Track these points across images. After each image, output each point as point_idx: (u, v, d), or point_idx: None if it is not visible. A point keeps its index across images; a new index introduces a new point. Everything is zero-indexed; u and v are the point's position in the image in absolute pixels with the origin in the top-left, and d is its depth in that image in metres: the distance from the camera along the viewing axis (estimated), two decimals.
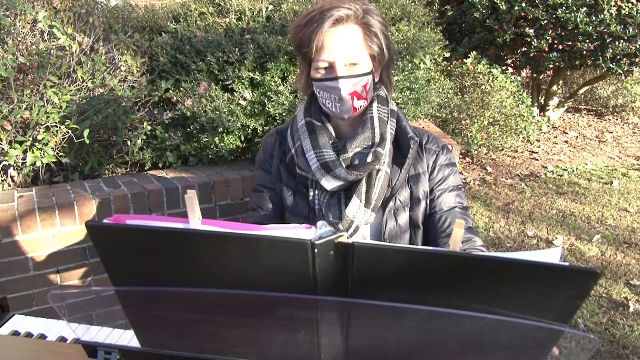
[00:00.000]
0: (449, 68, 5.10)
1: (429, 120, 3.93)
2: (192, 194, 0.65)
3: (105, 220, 0.67)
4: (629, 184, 4.72)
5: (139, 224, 0.67)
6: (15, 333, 1.05)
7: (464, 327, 0.68)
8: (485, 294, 0.65)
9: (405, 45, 2.95)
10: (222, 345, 0.78)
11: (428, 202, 1.39)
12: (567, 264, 0.61)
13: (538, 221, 3.90)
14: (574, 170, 5.12)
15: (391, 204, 1.36)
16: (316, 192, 1.35)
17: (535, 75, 6.24)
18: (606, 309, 2.78)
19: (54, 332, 1.07)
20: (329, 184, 1.31)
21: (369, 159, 1.31)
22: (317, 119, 1.37)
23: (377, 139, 1.33)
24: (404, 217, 1.37)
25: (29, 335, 1.04)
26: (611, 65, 4.69)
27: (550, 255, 0.63)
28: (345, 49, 1.25)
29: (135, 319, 0.77)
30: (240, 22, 2.75)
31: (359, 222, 1.31)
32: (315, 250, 0.63)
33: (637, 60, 4.60)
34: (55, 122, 2.21)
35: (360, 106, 1.32)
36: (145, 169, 2.59)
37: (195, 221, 0.66)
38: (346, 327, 0.72)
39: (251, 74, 2.57)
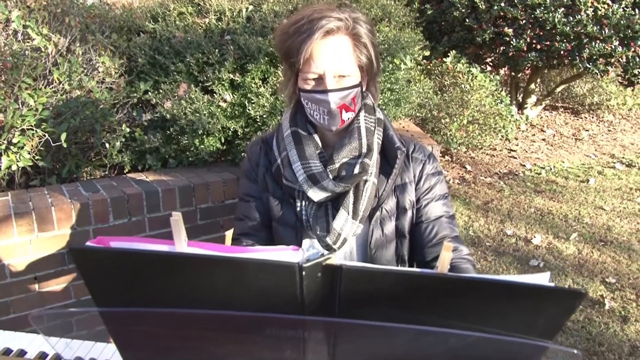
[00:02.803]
0: (428, 67, 5.13)
1: (409, 119, 3.95)
2: (177, 216, 0.64)
3: (88, 243, 0.66)
4: (604, 182, 4.81)
5: (124, 248, 0.65)
6: None
7: (451, 344, 0.68)
8: (473, 314, 0.66)
9: (386, 46, 2.95)
10: None
11: (414, 212, 1.39)
12: (553, 285, 0.62)
13: (517, 220, 3.95)
14: (551, 169, 5.20)
15: (377, 213, 1.35)
16: (303, 202, 1.33)
17: (513, 73, 6.32)
18: (583, 307, 2.83)
19: (34, 347, 1.05)
20: (316, 195, 1.30)
21: (356, 171, 1.29)
22: (303, 128, 1.35)
23: (364, 150, 1.32)
24: (390, 227, 1.36)
25: (7, 351, 1.02)
26: (588, 65, 4.77)
27: (539, 279, 0.63)
28: (335, 61, 1.23)
29: (120, 338, 0.76)
30: (220, 23, 2.73)
31: (347, 235, 1.30)
32: (303, 272, 0.62)
33: (612, 60, 4.68)
34: (31, 125, 2.17)
35: (348, 118, 1.31)
36: (125, 171, 2.55)
37: (182, 244, 0.65)
38: (333, 346, 0.71)
39: (231, 76, 2.55)
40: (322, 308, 0.67)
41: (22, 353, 1.03)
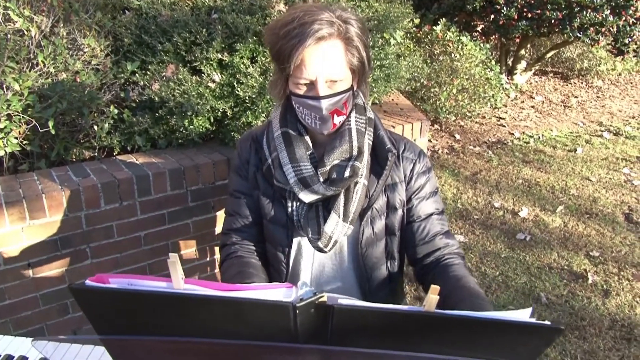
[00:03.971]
0: (418, 35, 5.08)
1: (398, 92, 3.94)
2: (174, 258, 0.66)
3: (87, 282, 0.67)
4: (591, 151, 4.86)
5: (123, 288, 0.67)
6: None
7: None
8: (458, 344, 0.69)
9: (375, 22, 2.92)
10: None
11: (405, 211, 1.41)
12: (533, 320, 0.65)
13: (504, 191, 4.01)
14: (539, 137, 5.24)
15: (368, 213, 1.37)
16: (294, 203, 1.35)
17: (504, 40, 6.28)
18: (567, 281, 2.91)
19: (34, 353, 1.08)
20: (307, 197, 1.32)
21: (347, 174, 1.30)
22: (293, 128, 1.35)
23: (354, 152, 1.32)
24: (379, 225, 1.39)
25: (8, 358, 1.05)
26: (578, 34, 4.75)
27: (521, 315, 0.66)
28: (326, 67, 1.22)
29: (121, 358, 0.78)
30: (207, 0, 2.68)
31: (338, 237, 1.33)
32: (297, 311, 0.65)
33: (603, 29, 4.66)
34: (18, 111, 2.14)
35: (340, 121, 1.31)
36: (114, 153, 2.54)
37: (179, 282, 0.67)
38: None
39: (219, 55, 2.52)
40: (315, 337, 0.70)
41: (23, 359, 1.06)
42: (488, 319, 0.65)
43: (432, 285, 0.65)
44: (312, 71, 1.21)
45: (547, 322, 0.65)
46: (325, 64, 1.21)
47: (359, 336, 0.69)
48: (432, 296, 0.65)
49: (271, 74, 2.46)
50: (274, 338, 0.69)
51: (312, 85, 1.24)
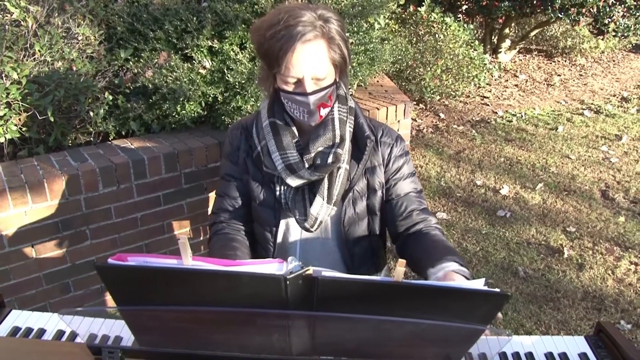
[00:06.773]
0: (403, 16, 5.16)
1: (383, 73, 4.04)
2: (184, 239, 0.78)
3: (110, 260, 0.79)
4: (572, 129, 5.01)
5: (139, 265, 0.79)
6: (16, 329, 1.17)
7: (408, 330, 0.85)
8: (424, 308, 0.82)
9: (360, 8, 3.01)
10: (211, 343, 0.93)
11: (384, 191, 1.55)
12: (485, 288, 0.78)
13: (487, 170, 4.15)
14: (522, 116, 5.37)
15: (350, 194, 1.50)
16: (282, 187, 1.48)
17: (488, 19, 6.36)
18: (544, 256, 3.07)
19: (52, 325, 1.20)
20: (294, 182, 1.44)
21: (330, 160, 1.43)
22: (280, 118, 1.47)
23: (337, 140, 1.45)
24: (361, 206, 1.52)
25: (29, 331, 1.17)
26: (560, 14, 4.86)
27: (476, 284, 0.79)
28: (312, 66, 1.32)
29: (138, 330, 0.91)
30: None
31: (322, 217, 1.46)
32: (288, 282, 0.77)
33: (583, 10, 4.77)
34: (17, 100, 2.23)
35: (326, 113, 1.43)
36: (110, 138, 2.63)
37: (187, 259, 0.79)
38: (312, 331, 0.88)
39: (209, 42, 2.61)
40: (303, 304, 0.83)
41: (41, 332, 1.18)
42: (446, 287, 0.78)
43: (400, 260, 0.78)
44: (300, 70, 1.32)
45: (497, 290, 0.78)
46: (311, 63, 1.32)
47: (340, 303, 0.82)
48: (400, 268, 0.77)
49: (258, 62, 2.56)
50: (268, 305, 0.81)
51: (299, 82, 1.35)
